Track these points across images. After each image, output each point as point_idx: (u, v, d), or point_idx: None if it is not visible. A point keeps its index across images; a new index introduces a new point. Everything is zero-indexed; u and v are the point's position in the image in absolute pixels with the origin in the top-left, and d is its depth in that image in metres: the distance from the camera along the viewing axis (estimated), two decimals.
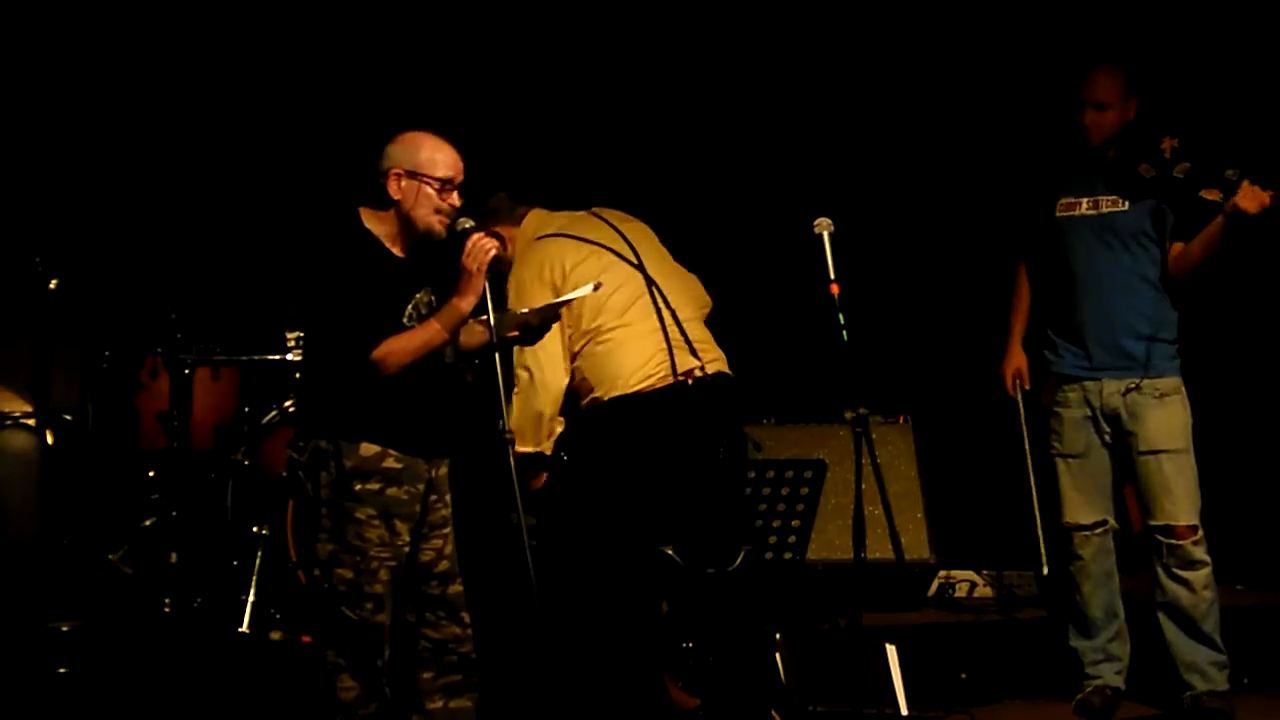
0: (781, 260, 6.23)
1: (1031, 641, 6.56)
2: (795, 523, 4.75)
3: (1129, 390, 5.90)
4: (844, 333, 5.01)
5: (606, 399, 5.42)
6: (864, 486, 5.02)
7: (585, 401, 5.48)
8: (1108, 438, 5.98)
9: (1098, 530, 6.02)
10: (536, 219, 5.70)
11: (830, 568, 6.66)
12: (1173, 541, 5.86)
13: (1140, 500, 5.98)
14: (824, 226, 5.13)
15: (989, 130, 7.65)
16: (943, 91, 7.72)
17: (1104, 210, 5.93)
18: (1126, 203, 5.91)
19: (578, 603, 5.38)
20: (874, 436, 5.12)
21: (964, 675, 6.28)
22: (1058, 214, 6.00)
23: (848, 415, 5.06)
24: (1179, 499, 5.84)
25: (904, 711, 5.81)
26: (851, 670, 5.69)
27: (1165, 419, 5.88)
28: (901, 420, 7.21)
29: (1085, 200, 5.97)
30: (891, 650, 5.87)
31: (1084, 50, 6.69)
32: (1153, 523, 5.91)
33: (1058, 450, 6.07)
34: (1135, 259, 5.91)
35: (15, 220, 6.95)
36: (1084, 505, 6.02)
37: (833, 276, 5.06)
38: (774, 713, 5.36)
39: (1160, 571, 5.90)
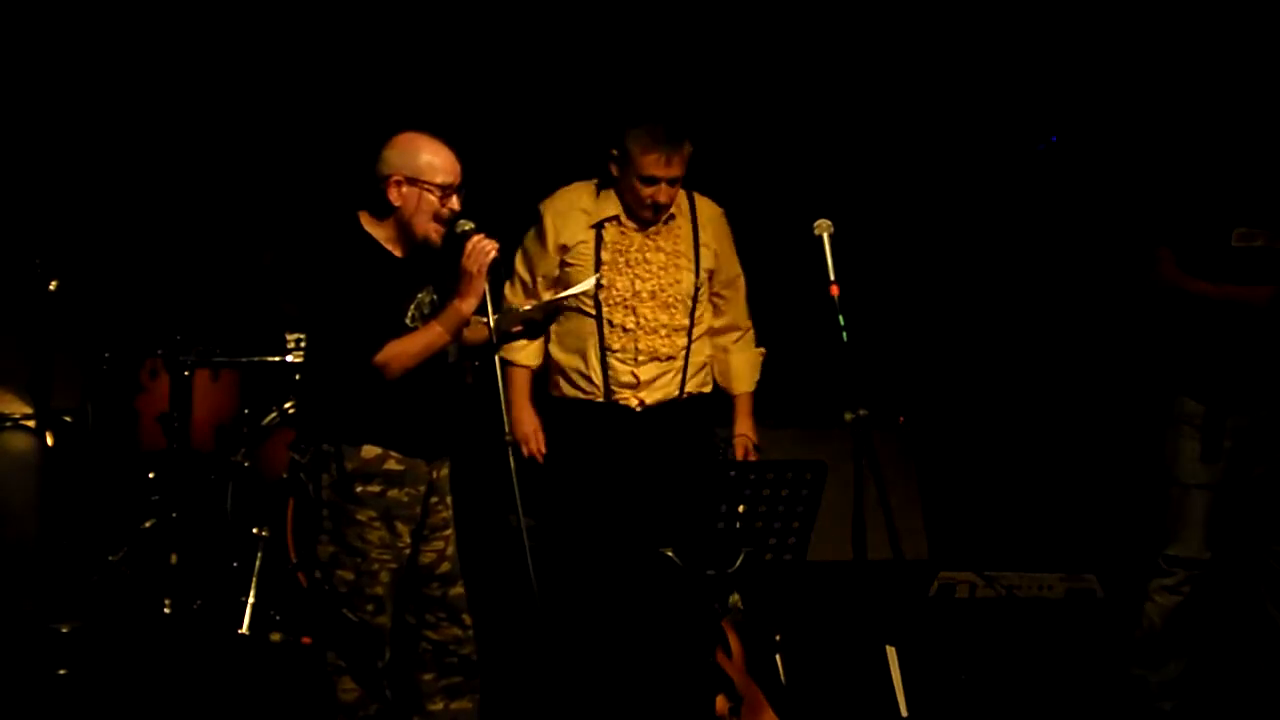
0: (781, 262, 6.23)
1: (1032, 642, 6.57)
2: (795, 524, 4.74)
3: None
4: (844, 334, 5.01)
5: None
6: (864, 488, 5.02)
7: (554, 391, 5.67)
8: None
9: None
10: None
11: (830, 568, 6.67)
12: None
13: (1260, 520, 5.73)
14: (824, 228, 5.12)
15: (989, 130, 7.66)
16: (943, 92, 7.72)
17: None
18: None
19: (579, 597, 5.44)
20: (872, 438, 5.12)
21: (964, 676, 6.29)
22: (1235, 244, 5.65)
23: (847, 417, 5.05)
24: None
25: (904, 713, 5.81)
26: (852, 671, 5.69)
27: None
28: (900, 421, 7.22)
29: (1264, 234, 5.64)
30: (892, 651, 5.87)
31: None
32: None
33: None
34: None
35: (15, 221, 6.95)
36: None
37: (833, 278, 5.06)
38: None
39: None
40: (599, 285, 5.35)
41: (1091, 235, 7.63)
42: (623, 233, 5.57)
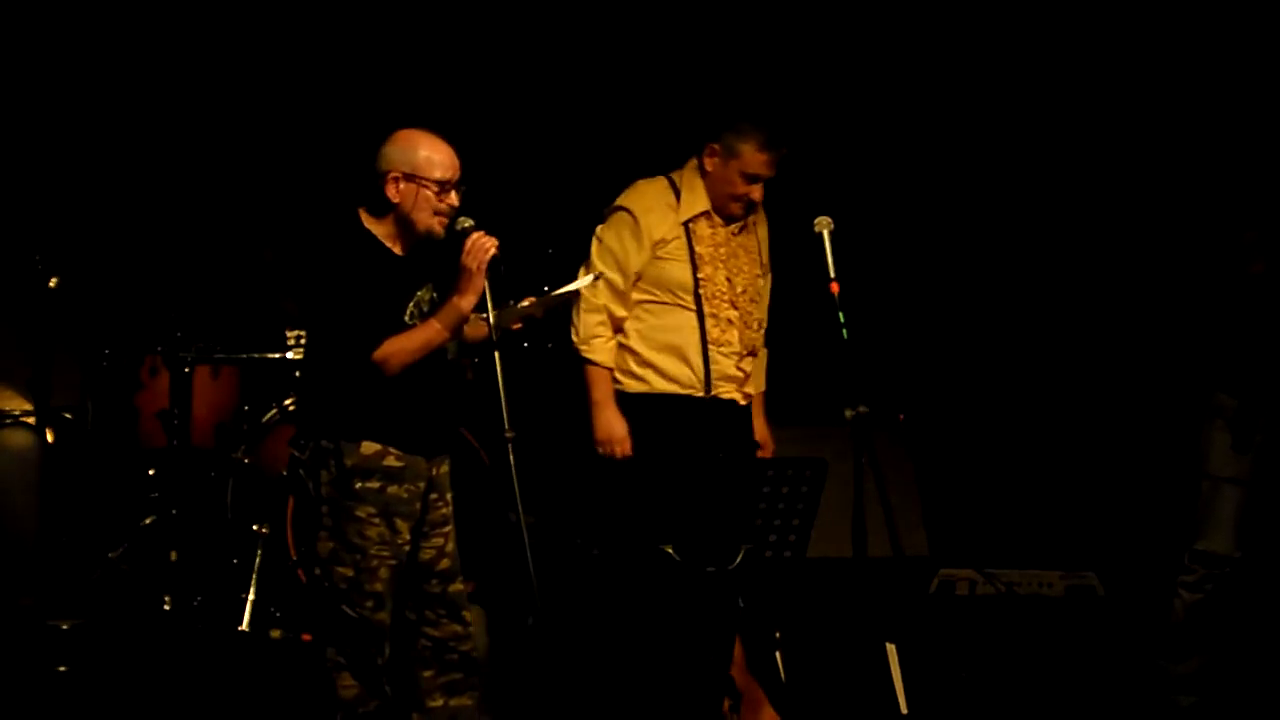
0: (781, 259, 6.23)
1: (1032, 639, 6.58)
2: (795, 522, 4.75)
3: None
4: (844, 331, 5.02)
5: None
6: (864, 485, 5.02)
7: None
8: None
9: None
10: None
11: (830, 565, 6.67)
12: None
13: None
14: (824, 225, 5.13)
15: (988, 129, 7.66)
16: (943, 90, 7.72)
17: None
18: None
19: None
20: (872, 435, 5.12)
21: (964, 673, 6.29)
22: None
23: (847, 414, 5.05)
24: None
25: (904, 710, 5.82)
26: (852, 669, 5.69)
27: None
28: (900, 419, 7.21)
29: None
30: (892, 649, 5.87)
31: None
32: None
33: None
34: None
35: (15, 220, 6.95)
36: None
37: (833, 275, 5.07)
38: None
39: None
40: (597, 278, 5.34)
41: (1091, 233, 7.63)
42: (713, 229, 5.58)
